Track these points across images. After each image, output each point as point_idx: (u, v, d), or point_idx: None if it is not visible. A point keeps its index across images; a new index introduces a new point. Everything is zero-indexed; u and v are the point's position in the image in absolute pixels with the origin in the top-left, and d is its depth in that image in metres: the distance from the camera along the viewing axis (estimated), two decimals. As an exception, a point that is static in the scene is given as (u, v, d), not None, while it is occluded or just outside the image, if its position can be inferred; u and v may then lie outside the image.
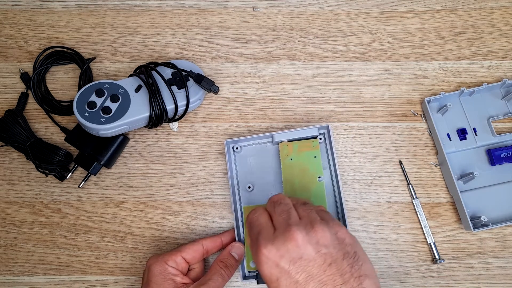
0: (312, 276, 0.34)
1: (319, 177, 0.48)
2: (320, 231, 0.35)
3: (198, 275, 0.45)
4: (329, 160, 0.50)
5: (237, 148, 0.50)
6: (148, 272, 0.43)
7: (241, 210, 0.49)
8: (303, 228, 0.35)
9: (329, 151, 0.50)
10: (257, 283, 0.45)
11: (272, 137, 0.49)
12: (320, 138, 0.50)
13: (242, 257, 0.46)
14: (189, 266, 0.45)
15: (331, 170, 0.50)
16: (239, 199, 0.49)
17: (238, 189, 0.50)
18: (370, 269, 0.36)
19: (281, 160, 0.49)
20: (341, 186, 0.48)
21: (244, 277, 0.46)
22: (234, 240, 0.47)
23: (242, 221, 0.48)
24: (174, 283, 0.42)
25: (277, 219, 0.37)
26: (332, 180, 0.49)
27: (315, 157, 0.49)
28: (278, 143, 0.50)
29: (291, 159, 0.49)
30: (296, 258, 0.34)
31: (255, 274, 0.46)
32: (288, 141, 0.49)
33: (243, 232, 0.48)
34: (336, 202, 0.49)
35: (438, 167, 0.51)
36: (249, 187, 0.49)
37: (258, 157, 0.51)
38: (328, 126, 0.49)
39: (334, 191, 0.49)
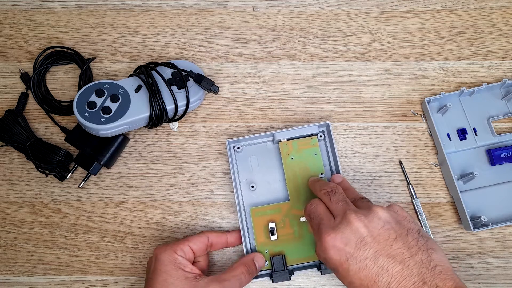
0: (379, 251, 0.35)
1: (321, 174, 0.48)
2: (378, 211, 0.37)
3: (203, 268, 0.45)
4: (329, 157, 0.50)
5: (238, 148, 0.50)
6: (156, 261, 0.42)
7: (245, 210, 0.49)
8: (361, 212, 0.37)
9: (329, 149, 0.50)
10: (272, 282, 0.45)
11: (273, 136, 0.50)
12: (320, 136, 0.50)
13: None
14: (194, 257, 0.45)
15: (331, 167, 0.50)
16: (242, 199, 0.49)
17: (241, 188, 0.50)
18: (435, 244, 0.37)
19: (282, 160, 0.49)
20: None
21: None
22: (240, 241, 0.47)
23: (246, 220, 0.48)
24: (184, 272, 0.41)
25: (335, 207, 0.39)
26: None
27: (315, 154, 0.49)
28: (278, 141, 0.50)
29: (292, 158, 0.49)
30: (361, 239, 0.36)
31: (269, 273, 0.46)
32: (287, 140, 0.49)
33: (247, 232, 0.48)
34: None
35: (438, 167, 0.51)
36: (252, 186, 0.49)
37: (259, 156, 0.51)
38: (328, 123, 0.49)
39: None
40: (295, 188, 0.48)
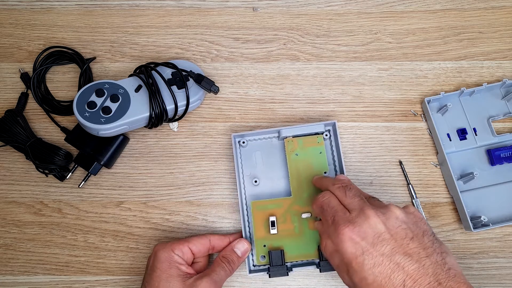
0: (396, 248, 0.35)
1: (325, 173, 0.49)
2: (395, 210, 0.37)
3: (202, 269, 0.46)
4: (333, 156, 0.50)
5: (243, 142, 0.50)
6: (154, 258, 0.43)
7: (247, 204, 0.49)
8: (379, 210, 0.37)
9: (334, 148, 0.50)
10: (269, 276, 0.45)
11: (278, 132, 0.50)
12: (326, 135, 0.50)
13: (246, 253, 0.46)
14: (194, 258, 0.45)
15: (335, 166, 0.50)
16: (245, 193, 0.49)
17: (244, 183, 0.50)
18: (447, 248, 0.37)
19: (287, 155, 0.49)
20: None
21: (250, 271, 0.46)
22: None
23: (247, 215, 0.48)
24: (178, 270, 0.42)
25: (351, 202, 0.39)
26: None
27: (320, 153, 0.49)
28: (284, 138, 0.50)
29: (297, 155, 0.49)
30: (378, 235, 0.36)
31: (266, 267, 0.46)
32: (293, 137, 0.49)
33: (248, 226, 0.48)
34: None
35: (438, 167, 0.51)
36: (255, 182, 0.49)
37: (263, 152, 0.51)
38: (335, 122, 0.49)
39: None
40: (298, 185, 0.48)
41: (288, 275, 0.45)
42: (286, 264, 0.46)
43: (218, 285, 0.42)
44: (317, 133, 0.50)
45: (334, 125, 0.49)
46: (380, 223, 0.36)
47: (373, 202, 0.40)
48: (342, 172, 0.49)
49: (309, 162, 0.49)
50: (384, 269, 0.34)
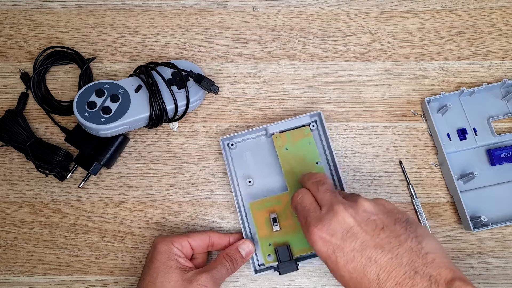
0: (366, 242, 0.34)
1: (317, 162, 0.49)
2: (364, 202, 0.36)
3: (200, 265, 0.46)
4: (323, 146, 0.50)
5: (232, 145, 0.50)
6: (154, 250, 0.43)
7: (244, 205, 0.49)
8: (348, 204, 0.36)
9: (322, 137, 0.50)
10: (279, 274, 0.45)
11: (266, 129, 0.50)
12: (313, 125, 0.50)
13: (249, 255, 0.46)
14: (193, 253, 0.45)
15: (326, 156, 0.50)
16: (241, 195, 0.49)
17: (238, 185, 0.50)
18: (426, 231, 0.35)
19: (277, 151, 0.49)
20: (339, 170, 0.48)
21: (256, 271, 0.46)
22: None
23: (246, 216, 0.48)
24: (177, 263, 0.42)
25: (322, 197, 0.38)
26: (329, 165, 0.50)
27: (309, 143, 0.49)
28: (271, 135, 0.50)
29: (287, 149, 0.49)
30: (347, 230, 0.35)
31: (276, 265, 0.46)
32: (280, 132, 0.49)
33: (248, 227, 0.48)
34: (336, 186, 0.49)
35: (438, 167, 0.51)
36: (249, 182, 0.49)
37: (254, 151, 0.51)
38: (320, 112, 0.49)
39: (333, 175, 0.49)
40: (293, 178, 0.48)
41: (298, 269, 0.45)
42: (294, 258, 0.45)
43: (218, 283, 0.42)
44: (303, 126, 0.50)
45: (319, 115, 0.49)
46: (349, 217, 0.35)
47: (349, 198, 0.39)
48: (333, 161, 0.48)
49: (300, 154, 0.49)
50: (358, 265, 0.33)
